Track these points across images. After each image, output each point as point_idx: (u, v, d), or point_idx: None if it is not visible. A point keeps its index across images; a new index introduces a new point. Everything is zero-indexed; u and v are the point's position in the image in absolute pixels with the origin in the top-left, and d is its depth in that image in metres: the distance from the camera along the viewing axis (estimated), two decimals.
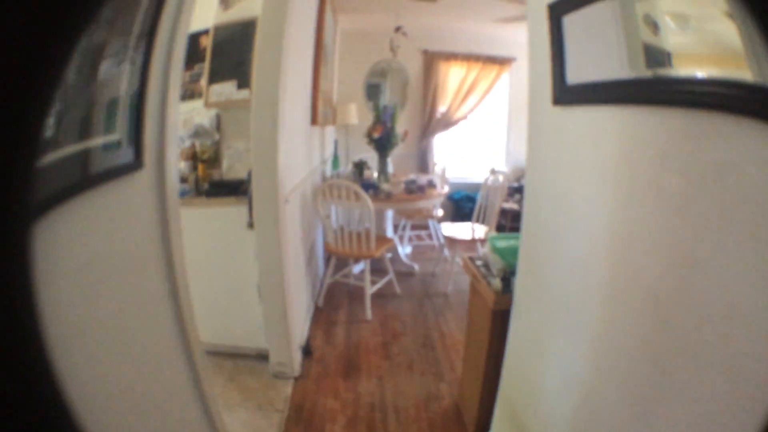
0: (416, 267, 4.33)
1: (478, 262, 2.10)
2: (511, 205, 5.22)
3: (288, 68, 2.28)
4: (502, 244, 1.95)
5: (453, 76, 5.46)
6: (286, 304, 2.45)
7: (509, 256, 1.86)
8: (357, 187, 3.11)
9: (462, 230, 3.95)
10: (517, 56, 5.51)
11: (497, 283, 1.82)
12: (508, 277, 1.83)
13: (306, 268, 3.14)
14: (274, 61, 2.19)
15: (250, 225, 2.38)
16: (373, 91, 5.55)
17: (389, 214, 4.36)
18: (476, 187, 6.13)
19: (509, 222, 5.04)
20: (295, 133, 2.71)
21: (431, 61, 5.44)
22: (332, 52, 4.45)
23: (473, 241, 3.81)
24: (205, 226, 2.54)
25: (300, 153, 2.92)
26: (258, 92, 2.24)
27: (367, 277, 3.33)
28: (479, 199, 4.01)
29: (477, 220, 4.05)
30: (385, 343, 3.04)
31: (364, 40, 5.33)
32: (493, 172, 6.10)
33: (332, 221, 3.57)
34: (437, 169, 5.06)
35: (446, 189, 4.08)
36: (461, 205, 5.57)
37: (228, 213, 2.52)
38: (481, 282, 1.92)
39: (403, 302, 3.66)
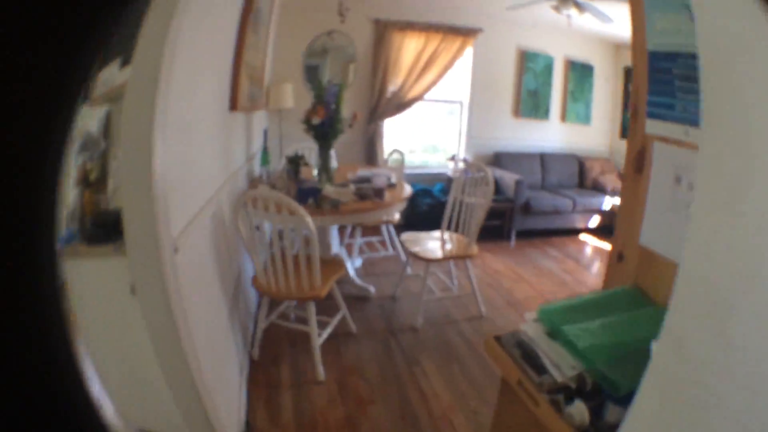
0: (371, 289, 3.44)
1: (514, 350, 1.23)
2: (478, 200, 4.36)
3: (184, 29, 1.29)
4: (582, 334, 1.08)
5: (408, 48, 4.74)
6: (199, 393, 1.49)
7: (599, 356, 1.00)
8: (289, 201, 2.15)
9: (429, 243, 3.22)
10: (485, 26, 4.89)
11: (580, 413, 0.95)
12: (586, 390, 0.98)
13: (231, 314, 2.25)
14: (158, 17, 1.21)
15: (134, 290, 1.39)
16: (312, 74, 4.71)
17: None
18: (434, 178, 5.35)
19: (464, 212, 4.20)
20: (198, 127, 1.73)
21: (383, 31, 4.67)
22: (267, 20, 3.54)
23: (446, 259, 3.07)
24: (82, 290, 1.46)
25: (209, 156, 1.96)
26: (135, 69, 1.25)
27: (313, 324, 2.40)
28: (451, 198, 3.33)
29: (450, 228, 3.35)
30: (349, 418, 2.25)
31: (306, 9, 4.50)
32: (454, 159, 5.37)
33: (260, 246, 2.53)
34: (390, 159, 4.17)
35: (409, 190, 3.20)
36: (417, 202, 4.75)
37: (103, 270, 1.47)
38: (540, 404, 1.05)
39: (362, 344, 2.81)
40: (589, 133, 6.35)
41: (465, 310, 3.35)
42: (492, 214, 4.16)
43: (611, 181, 5.91)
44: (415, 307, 3.19)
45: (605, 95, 6.31)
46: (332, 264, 2.68)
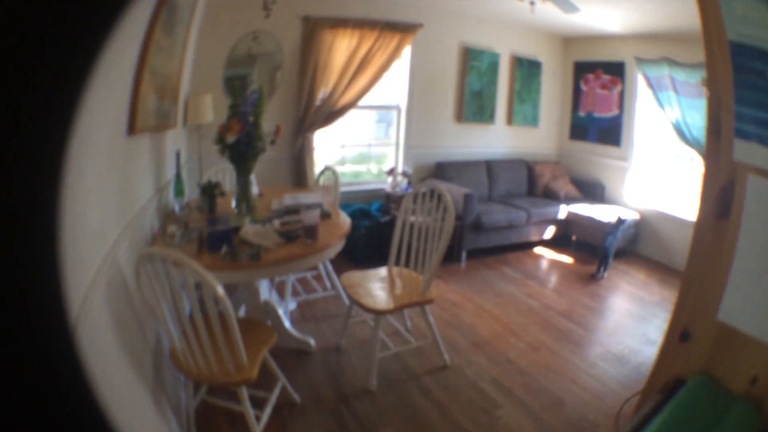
0: (312, 341, 3.13)
1: None
2: (410, 214, 4.18)
3: None
4: None
5: (340, 49, 4.51)
6: None
7: None
8: (188, 262, 1.78)
9: (376, 287, 2.98)
10: (425, 21, 4.76)
11: None
12: None
13: (156, 397, 1.89)
14: None
15: None
16: (236, 85, 4.27)
17: None
18: (371, 196, 5.12)
19: (415, 241, 3.89)
20: (83, 166, 1.37)
21: (312, 30, 4.41)
22: (188, 18, 3.14)
23: (399, 308, 2.82)
24: None
25: (100, 202, 1.65)
26: None
27: (248, 410, 2.07)
28: (398, 226, 3.12)
29: (399, 262, 3.15)
30: None
31: (229, 5, 4.20)
32: (393, 173, 5.13)
33: (170, 313, 2.11)
34: (322, 179, 3.89)
35: (347, 222, 2.93)
36: (354, 226, 4.49)
37: None
38: None
39: (310, 418, 2.56)
40: (537, 135, 6.42)
41: (426, 361, 3.11)
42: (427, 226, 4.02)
43: (563, 186, 5.97)
44: (367, 363, 2.93)
45: (554, 93, 6.40)
46: (260, 329, 2.33)
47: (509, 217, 5.17)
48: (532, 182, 6.09)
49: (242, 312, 3.03)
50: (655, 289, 4.75)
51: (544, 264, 5.31)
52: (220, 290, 1.75)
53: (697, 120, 5.11)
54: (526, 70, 6.01)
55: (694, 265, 1.26)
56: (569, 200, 5.83)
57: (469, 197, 4.80)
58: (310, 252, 2.47)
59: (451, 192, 4.79)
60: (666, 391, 1.49)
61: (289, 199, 3.22)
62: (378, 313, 2.67)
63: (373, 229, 4.54)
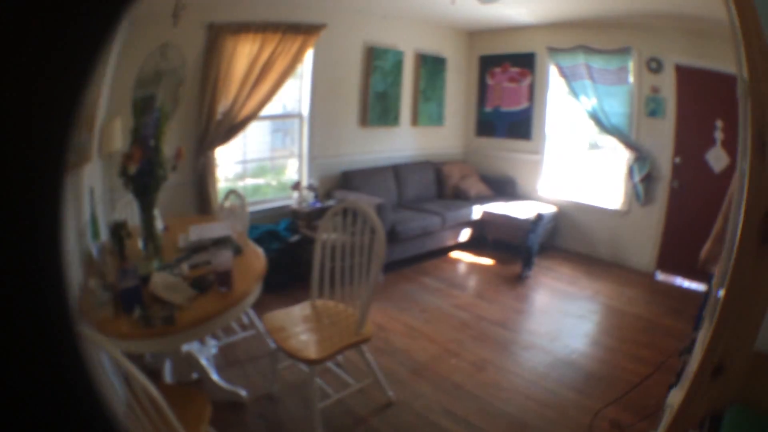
0: (243, 392, 2.98)
1: None
2: (331, 236, 4.07)
3: None
4: None
5: (242, 55, 4.37)
6: None
7: None
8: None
9: (301, 330, 2.90)
10: (329, 21, 4.74)
11: None
12: None
13: None
14: None
15: None
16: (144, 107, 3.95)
17: None
18: (277, 213, 4.95)
19: (338, 267, 3.63)
20: None
21: (216, 38, 4.25)
22: None
23: (333, 356, 2.77)
24: None
25: None
26: None
27: None
28: (318, 252, 3.03)
29: (323, 292, 3.05)
30: None
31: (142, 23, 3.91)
32: (298, 188, 5.00)
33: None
34: (227, 203, 3.70)
35: (261, 256, 2.96)
36: (263, 249, 4.34)
37: None
38: None
39: None
40: (443, 135, 6.56)
41: (369, 400, 3.05)
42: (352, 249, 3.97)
43: (473, 185, 6.11)
44: (306, 411, 2.85)
45: (459, 90, 6.54)
46: (193, 401, 2.16)
47: (424, 223, 5.22)
48: (440, 184, 6.18)
49: (167, 367, 2.80)
50: (584, 282, 5.03)
51: (465, 269, 5.43)
52: (153, 391, 1.59)
53: (615, 107, 5.45)
54: (431, 67, 6.07)
55: (734, 296, 1.24)
56: (480, 199, 5.98)
57: (382, 207, 4.79)
58: (228, 305, 2.34)
59: (357, 205, 4.75)
60: (704, 427, 1.50)
61: (194, 233, 3.01)
62: (312, 363, 2.54)
63: (283, 251, 4.43)
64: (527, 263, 5.10)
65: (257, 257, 2.80)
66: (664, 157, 5.27)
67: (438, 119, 6.36)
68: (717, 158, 4.93)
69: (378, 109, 5.62)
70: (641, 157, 5.38)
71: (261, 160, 5.18)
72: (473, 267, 5.48)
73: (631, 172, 5.48)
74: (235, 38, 4.20)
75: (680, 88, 5.09)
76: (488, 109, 6.44)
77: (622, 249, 5.68)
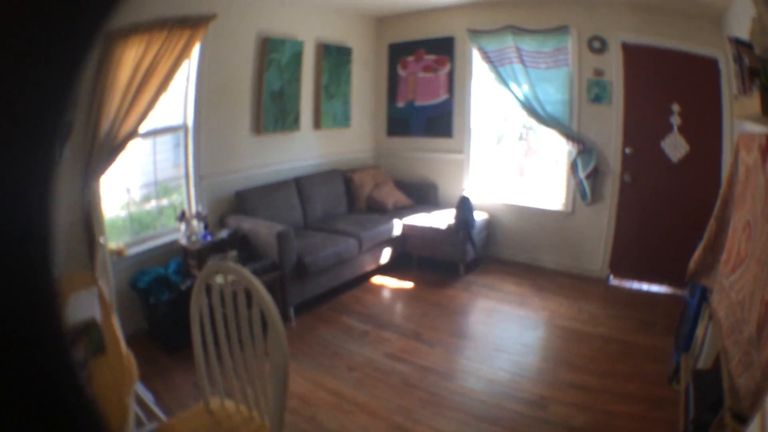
0: None
1: None
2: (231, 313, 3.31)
3: None
4: None
5: (127, 61, 3.77)
6: None
7: None
8: None
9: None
10: (219, 10, 4.13)
11: None
12: None
13: None
14: None
15: None
16: None
17: None
18: (166, 252, 4.26)
19: (228, 353, 2.68)
20: None
21: (107, 46, 3.67)
22: None
23: None
24: None
25: None
26: None
27: None
28: (196, 343, 2.09)
29: (216, 385, 2.09)
30: None
31: None
32: (185, 218, 4.15)
33: None
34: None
35: (130, 356, 2.03)
36: (152, 302, 3.81)
37: None
38: None
39: None
40: (350, 137, 6.04)
41: None
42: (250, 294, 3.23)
43: (389, 194, 5.63)
44: None
45: (366, 84, 6.06)
46: None
47: (337, 249, 4.61)
48: (352, 196, 5.67)
49: None
50: (535, 301, 4.70)
51: (392, 299, 4.91)
52: None
53: (552, 94, 5.06)
54: (334, 59, 5.53)
55: None
56: (399, 211, 5.54)
57: (284, 236, 4.17)
58: None
59: (259, 234, 4.20)
60: None
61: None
62: None
63: (177, 303, 3.75)
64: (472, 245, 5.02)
65: (126, 357, 1.78)
66: (612, 149, 4.94)
67: (344, 120, 5.82)
68: (674, 146, 4.65)
69: (274, 111, 4.95)
70: (585, 149, 4.99)
71: (164, 182, 4.52)
72: (401, 294, 4.95)
73: (574, 167, 5.09)
74: (124, 42, 3.68)
75: (628, 69, 4.77)
76: (400, 104, 6.00)
77: (569, 255, 5.34)
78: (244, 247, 4.23)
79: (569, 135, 4.98)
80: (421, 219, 5.28)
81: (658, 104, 4.62)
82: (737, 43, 2.29)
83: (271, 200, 4.78)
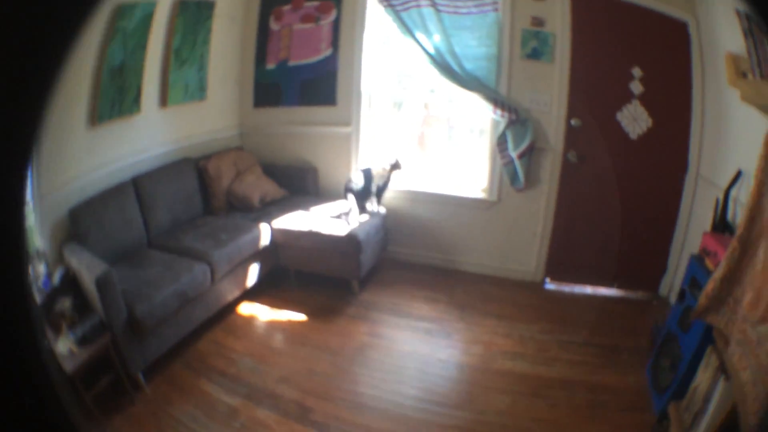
0: None
1: None
2: None
3: None
4: None
5: None
6: None
7: None
8: None
9: None
10: None
11: None
12: None
13: None
14: None
15: None
16: None
17: None
18: None
19: None
20: None
21: None
22: None
23: None
24: None
25: None
26: None
27: None
28: None
29: None
30: None
31: None
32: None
33: None
34: None
35: None
36: None
37: None
38: None
39: None
40: (206, 113, 5.06)
41: None
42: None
43: (255, 186, 4.83)
44: None
45: (229, 44, 5.11)
46: None
47: (180, 288, 3.61)
48: (206, 191, 4.69)
49: None
50: (461, 329, 3.94)
51: (265, 343, 4.02)
52: None
53: (473, 47, 4.43)
54: (192, 16, 4.61)
55: None
56: (269, 207, 4.73)
57: (104, 284, 3.22)
58: None
59: (84, 276, 3.36)
60: None
61: None
62: None
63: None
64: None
65: None
66: (554, 120, 4.36)
67: (198, 91, 4.86)
68: (634, 119, 4.17)
69: (111, 92, 4.04)
70: (518, 120, 4.33)
71: None
72: (277, 333, 4.15)
73: (502, 143, 4.42)
74: None
75: (577, 19, 4.20)
76: (271, 66, 5.11)
77: (494, 254, 4.77)
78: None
79: (496, 101, 4.32)
80: (298, 220, 4.49)
81: (615, 66, 4.18)
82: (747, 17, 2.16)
83: (103, 215, 3.87)
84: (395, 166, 4.60)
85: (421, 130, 5.09)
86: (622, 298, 4.32)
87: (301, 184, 5.03)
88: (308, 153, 5.12)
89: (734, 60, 3.05)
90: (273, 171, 5.05)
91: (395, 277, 4.65)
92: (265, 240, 4.39)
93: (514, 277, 4.60)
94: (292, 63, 5.00)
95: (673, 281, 4.15)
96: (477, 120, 4.70)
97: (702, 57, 3.82)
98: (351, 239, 4.26)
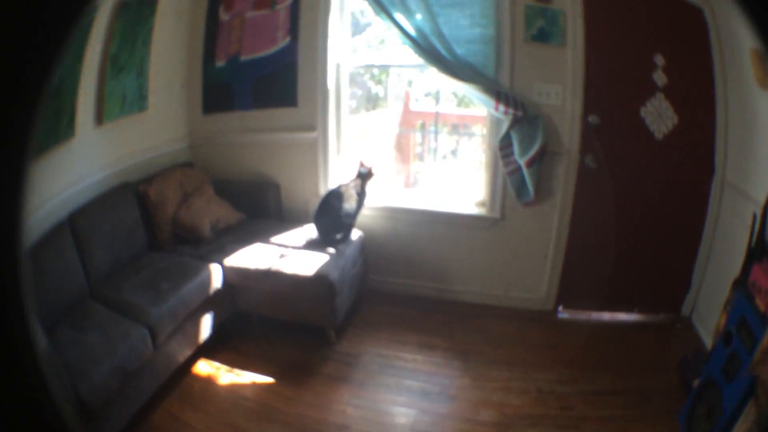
0: None
1: None
2: None
3: None
4: None
5: None
6: None
7: None
8: None
9: None
10: None
11: None
12: None
13: None
14: None
15: None
16: None
17: None
18: None
19: None
20: None
21: None
22: None
23: None
24: None
25: None
26: None
27: None
28: None
29: None
30: None
31: None
32: None
33: None
34: None
35: None
36: None
37: None
38: None
39: None
40: (147, 126, 4.36)
41: None
42: None
43: (205, 211, 4.17)
44: None
45: (174, 42, 4.36)
46: None
47: (118, 362, 2.93)
48: (148, 221, 4.01)
49: None
50: (468, 386, 3.30)
51: (226, 417, 3.23)
52: None
53: (463, 27, 3.83)
54: (133, 14, 4.01)
55: None
56: (222, 236, 4.13)
57: (46, 366, 2.05)
58: None
59: None
60: None
61: None
62: None
63: None
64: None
65: None
66: (568, 116, 3.75)
67: (138, 101, 4.21)
68: (659, 115, 3.61)
69: (48, 118, 3.42)
70: (525, 118, 3.69)
71: None
72: (240, 403, 3.34)
73: (505, 147, 3.77)
74: None
75: None
76: (220, 63, 4.44)
77: (497, 280, 4.14)
78: None
79: (498, 94, 3.69)
80: (256, 255, 3.80)
81: (636, 53, 3.65)
82: None
83: (43, 266, 3.19)
84: (367, 175, 3.91)
85: (399, 132, 4.49)
86: (642, 324, 3.86)
87: (260, 204, 4.39)
88: (268, 166, 4.46)
89: (760, 57, 2.71)
90: (227, 189, 4.40)
91: (380, 315, 4.04)
92: (216, 283, 3.67)
93: (521, 307, 4.05)
94: (244, 58, 4.35)
95: (696, 300, 3.76)
96: (470, 118, 4.17)
97: (721, 48, 3.39)
98: (322, 281, 3.55)
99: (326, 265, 3.68)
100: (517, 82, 3.76)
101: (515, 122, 3.73)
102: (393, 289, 4.35)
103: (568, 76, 3.73)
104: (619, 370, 3.49)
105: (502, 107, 3.68)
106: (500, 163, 3.93)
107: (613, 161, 3.77)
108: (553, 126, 3.75)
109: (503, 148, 3.83)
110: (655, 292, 3.83)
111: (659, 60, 3.54)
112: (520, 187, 3.84)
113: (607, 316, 4.03)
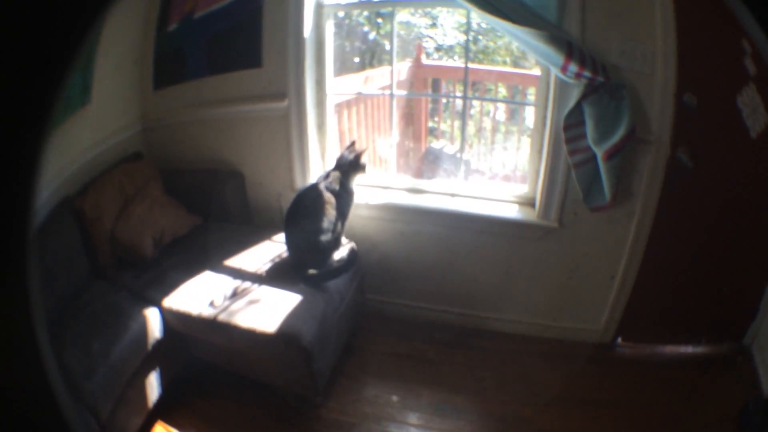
0: None
1: None
2: None
3: None
4: None
5: None
6: None
7: None
8: None
9: None
10: None
11: None
12: None
13: None
14: None
15: None
16: None
17: None
18: None
19: None
20: None
21: None
22: None
23: None
24: None
25: None
26: None
27: None
28: None
29: None
30: None
31: None
32: None
33: None
34: None
35: None
36: None
37: None
38: None
39: None
40: (89, 122, 3.41)
41: None
42: None
43: (148, 220, 3.31)
44: None
45: (128, 18, 3.58)
46: None
47: None
48: (89, 243, 3.30)
49: None
50: None
51: None
52: None
53: None
54: None
55: None
56: (168, 253, 3.23)
57: None
58: None
59: None
60: None
61: None
62: None
63: None
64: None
65: None
66: (657, 91, 2.80)
67: (81, 95, 3.36)
68: (753, 109, 2.80)
69: None
70: (606, 87, 2.75)
71: None
72: None
73: (573, 127, 2.79)
74: None
75: None
76: (173, 26, 3.56)
77: (541, 307, 3.34)
78: None
79: (568, 45, 2.65)
80: (203, 291, 2.83)
81: (727, 34, 2.63)
82: None
83: None
84: (352, 165, 3.01)
85: (408, 98, 3.69)
86: (702, 358, 3.16)
87: (219, 202, 3.51)
88: (229, 150, 3.60)
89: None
90: (181, 183, 3.62)
91: (382, 357, 3.22)
92: (155, 333, 2.77)
93: (571, 339, 3.32)
94: (198, 14, 3.44)
95: (759, 328, 3.07)
96: (517, 77, 3.32)
97: None
98: (289, 343, 2.56)
99: (296, 316, 2.67)
100: (589, 34, 2.73)
101: (591, 91, 2.74)
102: (399, 313, 3.58)
103: (657, 33, 2.73)
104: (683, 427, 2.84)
105: (573, 67, 2.67)
106: (564, 149, 2.96)
107: (709, 159, 2.90)
108: (639, 102, 2.78)
109: (569, 128, 2.85)
110: (719, 319, 3.17)
111: (747, 47, 2.60)
112: (591, 185, 2.94)
113: (668, 348, 3.29)
